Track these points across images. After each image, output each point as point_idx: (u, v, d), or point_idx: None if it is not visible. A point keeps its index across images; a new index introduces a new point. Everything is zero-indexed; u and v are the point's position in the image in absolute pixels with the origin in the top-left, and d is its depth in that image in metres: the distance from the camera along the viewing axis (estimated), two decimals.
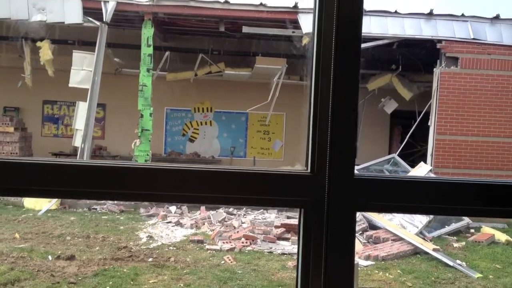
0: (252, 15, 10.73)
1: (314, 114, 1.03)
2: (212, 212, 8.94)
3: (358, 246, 7.16)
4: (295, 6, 10.49)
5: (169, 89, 12.84)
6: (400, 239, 7.56)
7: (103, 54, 10.22)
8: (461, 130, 10.40)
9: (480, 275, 6.34)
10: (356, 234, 7.84)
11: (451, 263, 6.64)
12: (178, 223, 8.45)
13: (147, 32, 10.55)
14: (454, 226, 8.56)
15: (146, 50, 10.60)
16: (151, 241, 7.26)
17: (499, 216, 1.11)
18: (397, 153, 10.91)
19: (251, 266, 6.24)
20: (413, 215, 8.22)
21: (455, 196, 1.07)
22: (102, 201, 9.59)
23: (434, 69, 10.66)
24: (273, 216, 9.02)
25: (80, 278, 5.51)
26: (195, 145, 14.47)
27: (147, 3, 10.52)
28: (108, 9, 10.05)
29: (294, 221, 8.06)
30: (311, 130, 1.03)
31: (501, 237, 8.22)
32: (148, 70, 10.62)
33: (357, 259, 6.41)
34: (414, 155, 12.37)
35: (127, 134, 11.59)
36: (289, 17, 10.64)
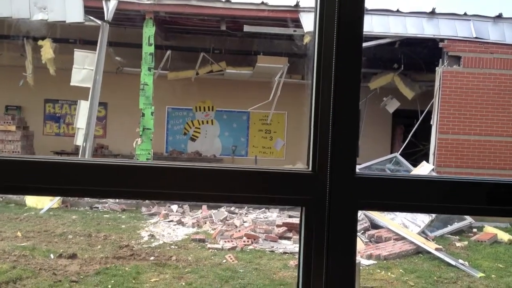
0: (254, 13, 10.73)
1: (315, 113, 1.02)
2: (213, 211, 8.94)
3: (360, 245, 7.15)
4: (297, 5, 10.48)
5: (171, 88, 12.84)
6: (402, 238, 7.56)
7: (105, 53, 10.23)
8: (464, 129, 10.38)
9: (482, 274, 6.33)
10: (358, 233, 7.84)
11: (453, 263, 6.63)
12: (180, 222, 8.45)
13: (149, 31, 10.55)
14: (456, 225, 8.54)
15: (148, 49, 10.60)
16: (152, 240, 7.26)
17: (501, 215, 1.11)
18: (399, 152, 10.90)
19: (252, 265, 6.24)
20: (415, 215, 8.20)
21: (456, 194, 1.06)
22: (104, 200, 9.61)
23: (436, 68, 10.64)
24: (274, 215, 9.02)
25: (82, 277, 5.52)
26: (197, 144, 14.48)
27: (149, 2, 10.52)
28: (110, 8, 10.05)
29: (296, 220, 8.06)
30: (312, 128, 1.03)
31: (504, 236, 8.21)
32: (149, 69, 10.63)
33: (359, 258, 6.41)
34: (416, 155, 12.35)
35: (129, 133, 11.60)
36: (291, 16, 10.63)
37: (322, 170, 1.01)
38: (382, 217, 8.20)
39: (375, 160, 10.20)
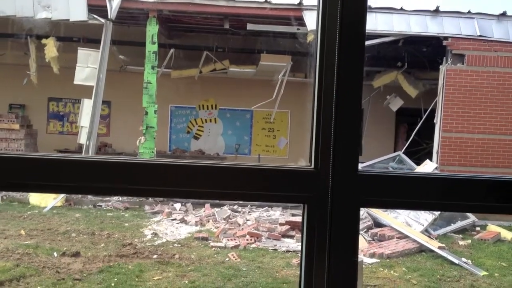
0: (257, 12, 10.72)
1: (318, 111, 1.03)
2: (216, 209, 8.95)
3: (363, 244, 7.14)
4: (300, 3, 10.46)
5: (174, 87, 12.86)
6: (405, 237, 7.55)
7: (108, 51, 10.23)
8: (467, 128, 10.35)
9: (485, 273, 6.31)
10: (361, 232, 7.83)
11: (456, 261, 6.62)
12: (183, 220, 8.46)
13: (152, 29, 10.56)
14: (459, 224, 8.52)
15: (151, 47, 10.61)
16: (155, 238, 7.28)
17: (501, 212, 1.11)
18: (403, 151, 10.88)
19: (255, 263, 6.24)
20: (419, 213, 8.19)
21: (458, 192, 1.06)
22: (107, 198, 9.62)
23: (440, 67, 10.60)
24: (277, 214, 9.02)
25: (85, 275, 5.53)
26: (200, 142, 14.49)
27: (152, 0, 10.53)
28: (113, 6, 10.06)
29: (299, 219, 8.06)
30: (314, 126, 1.03)
31: (507, 235, 8.19)
32: (152, 68, 10.63)
33: (362, 257, 6.40)
34: (420, 153, 12.33)
35: (132, 131, 11.62)
36: (294, 14, 10.61)
37: (324, 168, 1.02)
38: (385, 216, 8.19)
39: (378, 158, 10.18)
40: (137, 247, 6.67)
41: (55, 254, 6.14)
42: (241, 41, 12.69)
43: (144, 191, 1.06)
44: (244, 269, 6.01)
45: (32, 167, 0.99)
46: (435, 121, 10.62)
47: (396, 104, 12.71)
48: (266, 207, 9.43)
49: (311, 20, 10.09)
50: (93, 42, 10.97)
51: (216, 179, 1.02)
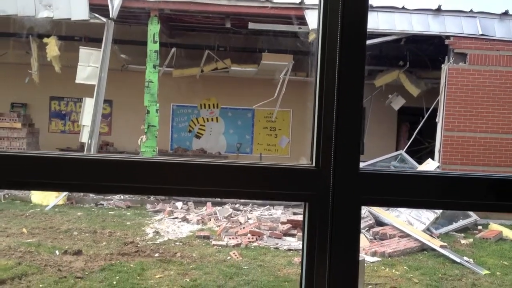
0: (258, 11, 10.71)
1: (319, 109, 1.03)
2: (218, 208, 8.96)
3: (364, 242, 7.15)
4: (302, 2, 10.45)
5: (175, 86, 12.86)
6: (407, 235, 7.55)
7: (110, 50, 10.24)
8: (469, 127, 10.34)
9: (487, 272, 6.31)
10: (363, 230, 7.82)
11: (458, 260, 6.62)
12: (185, 219, 8.47)
13: (153, 28, 10.56)
14: (461, 222, 8.52)
15: (152, 47, 10.62)
16: (157, 237, 7.29)
17: (502, 210, 1.11)
18: (405, 149, 10.87)
19: (257, 262, 6.25)
20: (420, 212, 8.19)
21: (459, 190, 1.06)
22: (109, 197, 9.64)
23: (442, 66, 10.59)
24: (279, 212, 9.02)
25: (87, 273, 5.54)
26: (202, 141, 14.49)
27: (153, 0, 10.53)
28: (115, 5, 10.06)
29: (301, 217, 8.06)
30: (316, 124, 1.03)
31: (509, 234, 8.18)
32: (154, 67, 10.64)
33: (363, 255, 6.40)
34: (422, 152, 12.32)
35: (134, 130, 11.63)
36: (296, 13, 10.60)
37: (325, 166, 1.02)
38: (387, 214, 8.19)
39: (380, 157, 10.18)
40: (138, 245, 6.68)
41: (57, 252, 6.15)
42: (243, 40, 12.69)
43: (146, 189, 1.07)
44: (245, 267, 6.01)
45: (33, 165, 0.99)
46: (437, 120, 10.61)
47: (398, 103, 12.70)
48: (268, 206, 9.43)
49: (313, 19, 10.08)
50: (94, 41, 10.98)
51: (218, 177, 1.02)
